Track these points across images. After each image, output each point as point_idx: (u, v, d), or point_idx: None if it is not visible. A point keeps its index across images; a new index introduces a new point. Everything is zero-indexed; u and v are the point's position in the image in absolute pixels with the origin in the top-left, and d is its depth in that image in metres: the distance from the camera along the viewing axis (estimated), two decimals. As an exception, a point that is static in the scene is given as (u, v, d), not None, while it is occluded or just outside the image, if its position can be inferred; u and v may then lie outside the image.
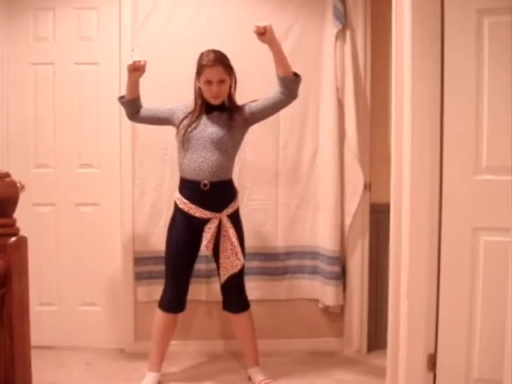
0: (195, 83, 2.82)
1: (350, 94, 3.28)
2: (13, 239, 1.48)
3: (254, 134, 3.04)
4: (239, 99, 2.89)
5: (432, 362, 2.50)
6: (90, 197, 3.45)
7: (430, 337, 2.51)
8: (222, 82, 2.74)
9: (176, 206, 2.84)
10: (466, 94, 2.40)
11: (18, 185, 1.56)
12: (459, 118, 2.43)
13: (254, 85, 3.13)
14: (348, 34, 3.28)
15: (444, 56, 2.44)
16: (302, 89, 3.15)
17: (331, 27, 3.28)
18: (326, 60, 3.34)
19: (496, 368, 2.11)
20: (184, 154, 2.79)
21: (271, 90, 2.78)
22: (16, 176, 1.58)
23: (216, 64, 2.72)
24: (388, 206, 2.75)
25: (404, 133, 2.55)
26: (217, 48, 2.80)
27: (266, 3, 3.35)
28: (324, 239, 3.36)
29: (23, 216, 1.64)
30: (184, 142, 2.77)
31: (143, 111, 2.89)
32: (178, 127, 2.82)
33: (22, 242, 1.52)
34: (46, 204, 3.44)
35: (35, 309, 3.06)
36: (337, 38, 3.27)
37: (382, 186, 3.09)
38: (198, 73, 2.77)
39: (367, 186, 3.33)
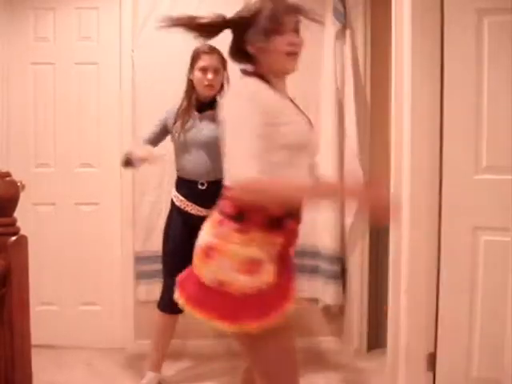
0: (188, 77, 2.77)
1: (350, 94, 3.28)
2: (13, 238, 1.48)
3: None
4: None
5: (432, 361, 2.51)
6: (90, 196, 3.45)
7: (430, 336, 2.51)
8: (217, 71, 2.71)
9: (173, 203, 2.84)
10: (466, 94, 2.40)
11: (19, 184, 1.56)
12: (459, 117, 2.43)
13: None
14: (348, 33, 3.27)
15: (444, 56, 2.44)
16: (302, 89, 3.15)
17: (331, 27, 3.28)
18: (326, 60, 3.33)
19: (496, 367, 2.11)
20: (181, 155, 2.78)
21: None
22: (16, 175, 1.58)
23: (213, 52, 2.70)
24: (388, 205, 2.76)
25: (404, 133, 2.55)
26: (217, 48, 2.79)
27: (266, 3, 3.35)
28: (324, 239, 3.36)
29: (23, 215, 1.64)
30: (179, 145, 2.77)
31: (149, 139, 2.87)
32: (171, 132, 2.81)
33: (23, 241, 1.52)
34: (46, 203, 3.44)
35: (35, 308, 3.06)
36: (336, 37, 3.26)
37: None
38: (193, 61, 2.73)
39: (367, 186, 3.33)
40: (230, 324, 1.57)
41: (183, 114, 2.76)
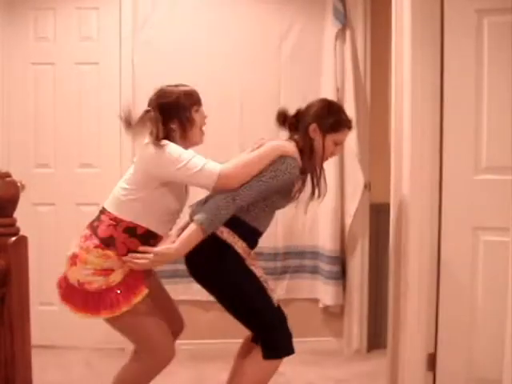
0: (308, 134, 2.20)
1: (350, 94, 3.28)
2: (13, 239, 1.48)
3: (255, 135, 3.04)
4: (238, 100, 2.88)
5: (432, 362, 2.51)
6: (91, 196, 3.44)
7: (430, 336, 2.51)
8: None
9: (235, 253, 2.18)
10: (466, 94, 2.41)
11: (19, 184, 1.57)
12: (459, 117, 2.43)
13: (254, 83, 3.13)
14: (348, 33, 3.28)
15: (444, 56, 2.44)
16: (303, 89, 3.15)
17: (331, 27, 3.28)
18: (326, 60, 3.34)
19: (495, 367, 2.11)
20: (272, 213, 2.29)
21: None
22: (16, 176, 1.58)
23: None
24: (388, 205, 2.76)
25: (404, 133, 2.55)
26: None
27: (266, 3, 3.35)
28: (324, 239, 3.37)
29: (23, 216, 1.64)
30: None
31: None
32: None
33: (23, 241, 1.52)
34: (46, 204, 3.44)
35: (35, 308, 3.06)
36: (336, 37, 3.27)
37: (381, 186, 3.09)
38: (333, 128, 2.19)
39: (367, 186, 3.33)
40: (92, 315, 2.03)
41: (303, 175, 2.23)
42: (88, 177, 3.43)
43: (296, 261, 3.44)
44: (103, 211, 2.15)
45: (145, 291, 2.06)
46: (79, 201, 3.44)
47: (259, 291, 2.20)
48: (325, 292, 3.37)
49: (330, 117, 2.20)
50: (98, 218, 2.14)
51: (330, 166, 3.33)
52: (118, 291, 2.03)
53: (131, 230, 2.05)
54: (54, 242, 3.41)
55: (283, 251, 3.42)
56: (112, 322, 2.08)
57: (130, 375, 2.21)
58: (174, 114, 2.12)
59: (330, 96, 3.31)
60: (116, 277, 2.03)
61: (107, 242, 2.04)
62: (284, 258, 3.42)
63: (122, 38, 3.33)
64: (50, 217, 3.44)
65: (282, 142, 2.20)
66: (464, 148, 2.42)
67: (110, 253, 2.03)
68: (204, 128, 2.21)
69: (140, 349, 2.18)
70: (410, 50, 2.47)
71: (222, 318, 3.32)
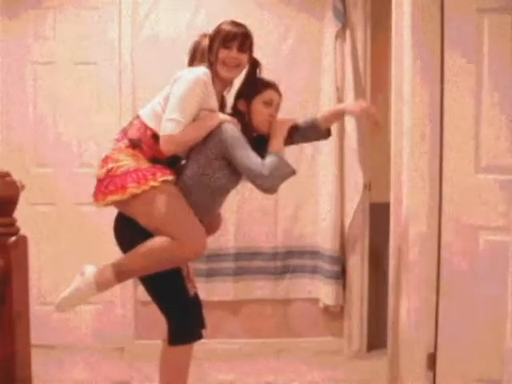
0: (235, 105, 2.29)
1: (350, 94, 3.28)
2: (13, 239, 1.48)
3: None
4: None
5: (432, 362, 2.51)
6: (90, 196, 3.43)
7: (430, 336, 2.51)
8: (278, 109, 2.32)
9: None
10: (466, 93, 2.40)
11: (18, 184, 1.56)
12: (459, 116, 2.43)
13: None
14: (348, 33, 3.28)
15: (444, 55, 2.44)
16: (302, 88, 3.15)
17: (331, 26, 3.28)
18: (326, 59, 3.33)
19: (496, 368, 2.11)
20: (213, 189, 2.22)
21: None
22: (16, 175, 1.58)
23: (278, 89, 2.32)
24: (388, 205, 2.76)
25: (404, 132, 2.55)
26: None
27: (266, 3, 3.35)
28: (324, 239, 3.36)
29: (23, 215, 1.64)
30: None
31: None
32: None
33: (22, 241, 1.52)
34: (46, 203, 3.43)
35: (35, 308, 3.06)
36: (337, 37, 3.27)
37: (382, 186, 3.09)
38: (255, 91, 2.25)
39: (367, 186, 3.33)
40: (121, 194, 2.12)
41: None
42: (88, 176, 3.42)
43: (296, 260, 3.44)
44: (137, 117, 2.22)
45: (171, 175, 2.11)
46: (79, 201, 3.43)
47: (171, 275, 2.17)
48: (325, 292, 3.37)
49: (248, 85, 2.28)
50: (130, 123, 2.23)
51: (330, 166, 3.34)
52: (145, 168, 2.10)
53: (158, 138, 2.10)
54: (53, 242, 3.41)
55: (283, 251, 3.42)
56: (141, 204, 2.09)
57: (158, 248, 2.09)
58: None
59: (331, 96, 3.32)
60: (145, 163, 2.12)
61: (135, 143, 2.14)
62: (284, 257, 3.42)
63: (122, 38, 3.33)
64: (49, 217, 3.44)
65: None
66: (464, 147, 2.42)
67: (139, 154, 2.13)
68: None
69: (170, 235, 2.07)
70: (410, 48, 2.47)
71: (222, 317, 3.34)
